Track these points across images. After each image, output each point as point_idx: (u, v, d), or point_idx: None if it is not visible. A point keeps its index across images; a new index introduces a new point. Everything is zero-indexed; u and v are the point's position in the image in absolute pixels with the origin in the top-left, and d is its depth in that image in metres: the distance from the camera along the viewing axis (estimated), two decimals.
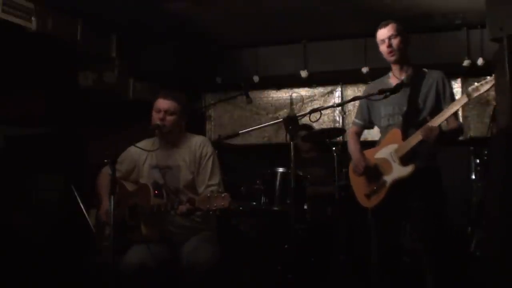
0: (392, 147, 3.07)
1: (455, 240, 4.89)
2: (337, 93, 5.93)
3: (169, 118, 3.23)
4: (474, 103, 5.50)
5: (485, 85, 2.80)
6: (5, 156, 4.57)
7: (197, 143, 3.30)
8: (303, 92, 6.10)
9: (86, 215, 3.37)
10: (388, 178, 3.04)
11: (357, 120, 3.39)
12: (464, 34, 5.06)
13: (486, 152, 4.74)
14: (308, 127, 4.73)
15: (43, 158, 4.48)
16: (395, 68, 3.18)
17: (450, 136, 3.10)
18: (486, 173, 4.70)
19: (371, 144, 3.33)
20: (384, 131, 3.20)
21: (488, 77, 2.82)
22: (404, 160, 2.99)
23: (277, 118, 3.98)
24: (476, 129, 5.47)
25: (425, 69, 3.15)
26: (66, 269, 3.99)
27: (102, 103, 5.13)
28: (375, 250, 3.19)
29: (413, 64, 3.17)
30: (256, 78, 5.71)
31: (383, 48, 3.12)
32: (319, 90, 6.06)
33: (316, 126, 4.77)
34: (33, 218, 4.23)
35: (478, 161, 4.84)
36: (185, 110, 3.32)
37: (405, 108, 3.07)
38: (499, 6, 3.72)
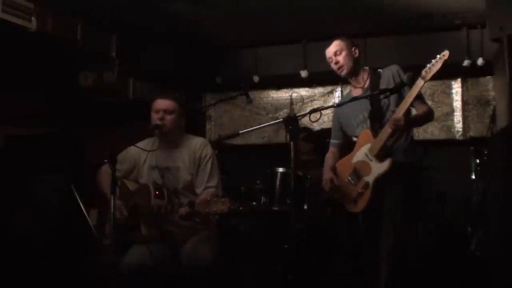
0: (366, 147, 3.10)
1: (455, 240, 4.91)
2: (337, 93, 5.93)
3: (168, 117, 3.23)
4: (474, 103, 5.51)
5: (436, 64, 2.84)
6: (5, 156, 4.57)
7: (197, 145, 3.30)
8: (303, 92, 6.10)
9: (86, 215, 3.37)
10: (370, 178, 3.06)
11: (333, 141, 3.46)
12: (464, 34, 5.06)
13: (486, 152, 4.75)
14: (308, 129, 4.73)
15: (43, 158, 4.48)
16: (351, 79, 3.27)
17: (420, 121, 3.16)
18: (486, 173, 4.70)
19: None
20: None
21: (438, 56, 2.84)
22: (380, 156, 3.01)
23: (277, 118, 3.98)
24: (476, 129, 5.47)
25: (379, 70, 3.21)
26: (66, 269, 3.99)
27: (102, 103, 5.13)
28: (369, 255, 3.19)
29: (368, 68, 3.24)
30: (256, 78, 5.70)
31: (332, 66, 3.23)
32: (319, 90, 6.06)
33: (316, 126, 4.77)
34: (33, 218, 4.23)
35: (478, 161, 4.85)
36: (183, 109, 3.33)
37: (371, 110, 3.12)
38: (499, 6, 3.72)
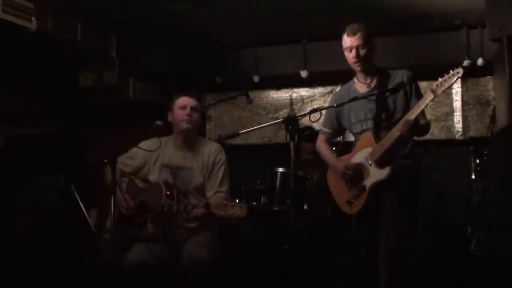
0: (367, 151, 3.06)
1: (455, 240, 4.91)
2: None
3: (195, 115, 3.29)
4: (474, 103, 5.51)
5: (448, 80, 2.77)
6: (5, 156, 4.57)
7: (212, 149, 3.33)
8: (303, 92, 6.10)
9: (86, 215, 3.38)
10: (367, 183, 3.03)
11: (325, 129, 3.38)
12: (464, 34, 5.05)
13: (486, 152, 4.75)
14: (310, 128, 4.72)
15: (43, 158, 4.48)
16: (360, 74, 3.17)
17: (422, 131, 3.05)
18: (486, 173, 4.70)
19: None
20: (357, 137, 3.19)
21: (451, 72, 2.77)
22: (380, 162, 2.98)
23: (277, 118, 3.98)
24: (476, 129, 5.46)
25: (389, 71, 3.14)
26: (66, 269, 3.99)
27: (102, 103, 5.13)
28: (363, 256, 3.17)
29: (377, 67, 3.16)
30: (256, 78, 5.70)
31: (349, 56, 3.10)
32: (319, 90, 6.06)
33: (317, 126, 4.78)
34: (33, 218, 4.23)
35: (478, 161, 4.85)
36: (202, 110, 3.37)
37: (375, 112, 3.06)
38: (499, 6, 3.72)
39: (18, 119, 4.71)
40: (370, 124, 3.10)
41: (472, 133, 5.47)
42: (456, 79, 2.76)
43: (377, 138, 3.03)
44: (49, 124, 4.83)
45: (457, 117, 5.55)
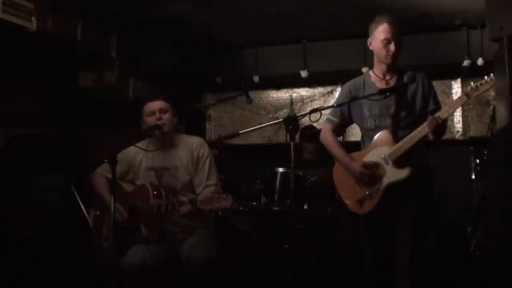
0: (384, 149, 3.00)
1: (455, 240, 4.91)
2: (337, 93, 5.93)
3: (165, 116, 3.25)
4: (474, 103, 5.51)
5: (485, 85, 2.78)
6: (5, 156, 4.56)
7: (194, 144, 3.32)
8: (303, 92, 6.11)
9: (86, 215, 3.38)
10: (383, 182, 2.97)
11: (334, 118, 3.24)
12: (464, 34, 5.06)
13: (486, 152, 4.75)
14: (313, 128, 4.72)
15: (43, 158, 4.47)
16: (382, 69, 3.10)
17: (443, 133, 3.07)
18: (486, 173, 4.70)
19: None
20: (369, 133, 3.11)
21: (486, 77, 2.79)
22: (399, 162, 2.94)
23: (277, 118, 3.98)
24: (476, 129, 5.48)
25: (408, 71, 3.09)
26: (66, 269, 3.99)
27: (102, 103, 5.12)
28: (370, 256, 3.13)
29: (397, 65, 3.12)
30: (256, 78, 5.70)
31: (383, 48, 3.01)
32: (319, 90, 6.07)
33: (317, 126, 4.77)
34: (33, 218, 4.22)
35: (478, 161, 4.86)
36: (174, 108, 3.34)
37: (393, 110, 3.01)
38: (499, 6, 3.72)
39: (18, 119, 4.71)
40: (384, 121, 3.03)
41: (472, 133, 5.48)
42: (491, 87, 2.77)
43: (396, 137, 2.98)
44: (49, 124, 4.82)
45: (457, 117, 5.56)
